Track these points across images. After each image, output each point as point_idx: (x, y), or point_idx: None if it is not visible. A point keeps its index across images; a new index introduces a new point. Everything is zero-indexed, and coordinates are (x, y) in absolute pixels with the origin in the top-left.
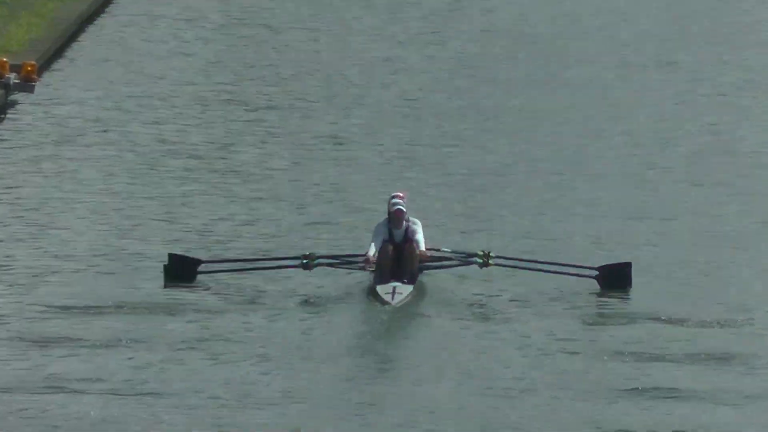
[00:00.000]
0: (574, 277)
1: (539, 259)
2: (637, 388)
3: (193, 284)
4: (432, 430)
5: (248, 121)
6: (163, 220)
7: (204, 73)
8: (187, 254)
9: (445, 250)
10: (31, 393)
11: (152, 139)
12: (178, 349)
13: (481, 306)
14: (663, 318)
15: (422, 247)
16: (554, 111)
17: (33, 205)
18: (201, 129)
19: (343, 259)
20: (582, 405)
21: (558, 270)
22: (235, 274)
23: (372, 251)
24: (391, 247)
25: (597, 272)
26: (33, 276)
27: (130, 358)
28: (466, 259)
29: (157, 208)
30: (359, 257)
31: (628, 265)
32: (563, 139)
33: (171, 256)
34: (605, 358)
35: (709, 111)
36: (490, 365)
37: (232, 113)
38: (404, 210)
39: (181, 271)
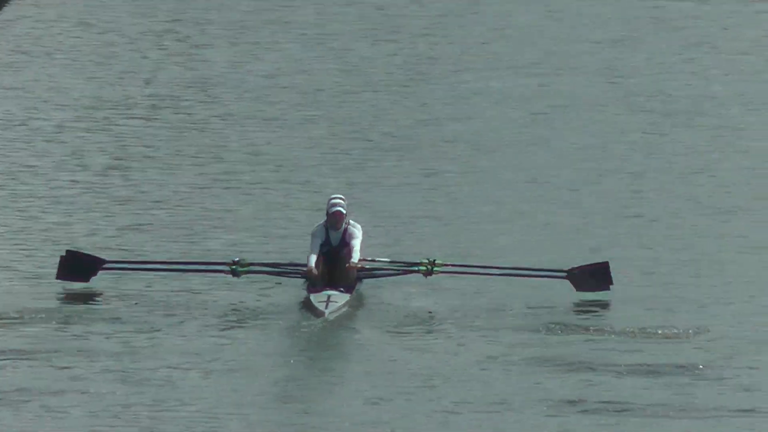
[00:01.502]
0: (543, 280)
1: (494, 264)
2: (580, 401)
3: (93, 286)
4: None
5: (168, 124)
6: (64, 222)
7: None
8: (88, 253)
9: (383, 260)
10: None
11: (54, 139)
12: (80, 361)
13: (423, 317)
14: (609, 329)
15: (356, 256)
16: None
17: None
18: (115, 128)
19: (279, 266)
20: (525, 419)
21: (522, 274)
22: (150, 280)
23: (312, 260)
24: (326, 252)
25: (566, 274)
26: None
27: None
28: (407, 268)
29: (63, 208)
30: (297, 266)
31: (605, 265)
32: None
33: (68, 252)
34: (558, 369)
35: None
36: (430, 381)
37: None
38: (344, 212)
39: (77, 269)
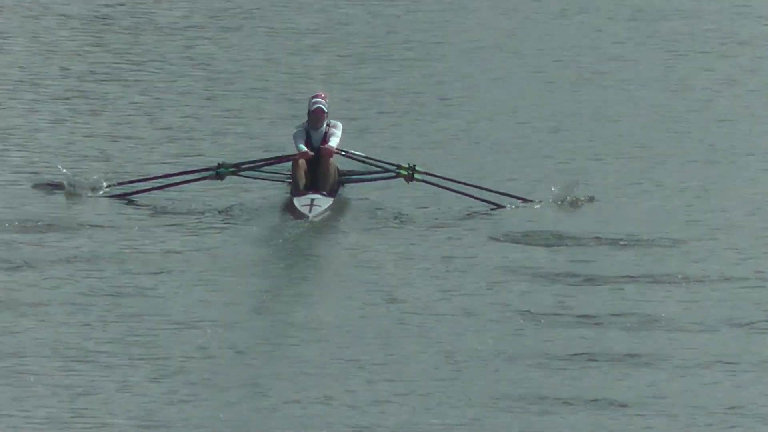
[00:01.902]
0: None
1: (470, 182)
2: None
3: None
4: (349, 355)
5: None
6: (33, 149)
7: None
8: (68, 181)
9: (357, 153)
10: None
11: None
12: (77, 268)
13: (405, 223)
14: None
15: (333, 142)
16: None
17: None
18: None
19: (266, 162)
20: (499, 332)
21: (493, 200)
22: (133, 196)
23: (302, 146)
24: (307, 155)
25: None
26: None
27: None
28: (386, 168)
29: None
30: (286, 158)
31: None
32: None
33: (38, 187)
34: (532, 285)
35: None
36: (409, 287)
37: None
38: (325, 110)
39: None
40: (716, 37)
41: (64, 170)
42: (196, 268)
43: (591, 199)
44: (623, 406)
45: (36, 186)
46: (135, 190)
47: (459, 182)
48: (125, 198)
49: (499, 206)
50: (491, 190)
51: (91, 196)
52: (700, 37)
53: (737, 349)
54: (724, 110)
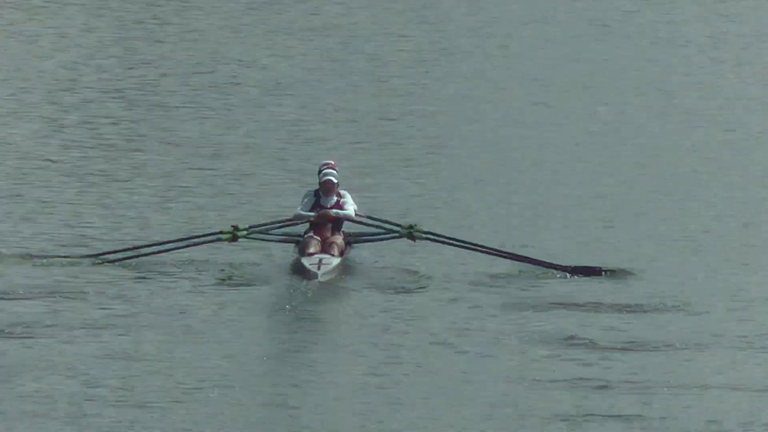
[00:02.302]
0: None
1: (471, 241)
2: (572, 379)
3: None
4: (359, 410)
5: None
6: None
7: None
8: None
9: (360, 215)
10: None
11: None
12: (87, 333)
13: (412, 282)
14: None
15: (347, 210)
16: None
17: None
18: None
19: (279, 224)
20: (511, 392)
21: (504, 255)
22: (144, 258)
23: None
24: (317, 218)
25: (567, 273)
26: None
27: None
28: (389, 227)
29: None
30: (295, 222)
31: (597, 270)
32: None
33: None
34: (538, 346)
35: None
36: (419, 343)
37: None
38: (335, 181)
39: None
40: None
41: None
42: (205, 328)
43: (610, 273)
44: None
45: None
46: (146, 253)
47: (461, 241)
48: (135, 261)
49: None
50: (490, 249)
51: (102, 262)
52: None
53: None
54: None
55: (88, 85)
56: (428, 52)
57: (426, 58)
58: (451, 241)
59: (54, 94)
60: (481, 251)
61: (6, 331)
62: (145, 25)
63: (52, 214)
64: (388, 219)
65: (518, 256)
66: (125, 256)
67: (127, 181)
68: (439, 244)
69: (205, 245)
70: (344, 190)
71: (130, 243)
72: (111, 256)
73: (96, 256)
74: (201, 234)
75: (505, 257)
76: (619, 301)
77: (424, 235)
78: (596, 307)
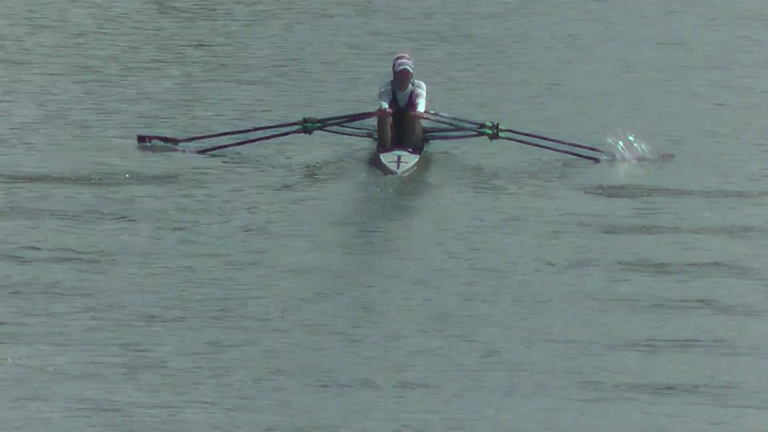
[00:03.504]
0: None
1: (552, 137)
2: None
3: (171, 158)
4: (429, 308)
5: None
6: (131, 99)
7: None
8: (159, 135)
9: (444, 115)
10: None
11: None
12: (164, 222)
13: (492, 179)
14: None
15: (421, 106)
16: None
17: None
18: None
19: (349, 117)
20: (591, 281)
21: (573, 152)
22: (221, 150)
23: (384, 104)
24: (392, 113)
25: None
26: None
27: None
28: (471, 127)
29: (121, 87)
30: (367, 115)
31: (668, 156)
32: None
33: (140, 138)
34: (619, 239)
35: None
36: (498, 243)
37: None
38: (410, 70)
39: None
40: None
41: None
42: (285, 223)
43: (669, 156)
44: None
45: (143, 139)
46: (221, 144)
47: (542, 137)
48: (211, 152)
49: (587, 157)
50: (575, 144)
51: (177, 150)
52: None
53: None
54: None
55: None
56: None
57: None
58: (530, 139)
59: None
60: (560, 149)
61: (83, 216)
62: None
63: (132, 98)
64: (470, 118)
65: (592, 148)
66: (197, 146)
67: (205, 72)
68: (521, 143)
69: (279, 137)
70: (420, 80)
71: (206, 131)
72: (188, 145)
73: (171, 141)
74: (274, 125)
75: (580, 153)
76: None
77: (507, 135)
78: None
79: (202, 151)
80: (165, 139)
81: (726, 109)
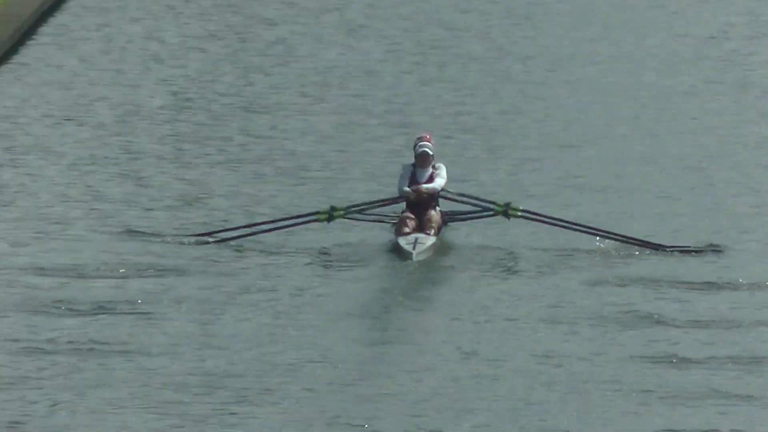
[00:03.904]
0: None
1: (566, 219)
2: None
3: (185, 249)
4: (452, 385)
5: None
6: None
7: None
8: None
9: (452, 192)
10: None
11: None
12: (187, 311)
13: (507, 261)
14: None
15: (436, 183)
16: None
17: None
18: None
19: (375, 204)
20: (614, 374)
21: (603, 235)
22: (242, 239)
23: (407, 188)
24: (411, 196)
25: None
26: (28, 238)
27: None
28: (484, 205)
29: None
30: (394, 200)
31: (688, 250)
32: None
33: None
34: (641, 326)
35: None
36: (513, 322)
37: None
38: (430, 153)
39: None
40: None
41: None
42: (302, 306)
43: (712, 248)
44: None
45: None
46: (244, 234)
47: (557, 219)
48: (234, 241)
49: (604, 237)
50: (590, 227)
51: (189, 243)
52: None
53: None
54: None
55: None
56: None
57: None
58: (546, 219)
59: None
60: (576, 229)
61: (106, 308)
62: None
63: (151, 195)
64: (482, 197)
65: (612, 234)
66: (223, 237)
67: (222, 163)
68: (534, 222)
69: (301, 226)
70: (440, 163)
71: (227, 224)
72: (209, 237)
73: (195, 236)
74: (298, 215)
75: (599, 235)
76: (714, 279)
77: (519, 214)
78: (692, 285)
79: (223, 240)
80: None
81: None
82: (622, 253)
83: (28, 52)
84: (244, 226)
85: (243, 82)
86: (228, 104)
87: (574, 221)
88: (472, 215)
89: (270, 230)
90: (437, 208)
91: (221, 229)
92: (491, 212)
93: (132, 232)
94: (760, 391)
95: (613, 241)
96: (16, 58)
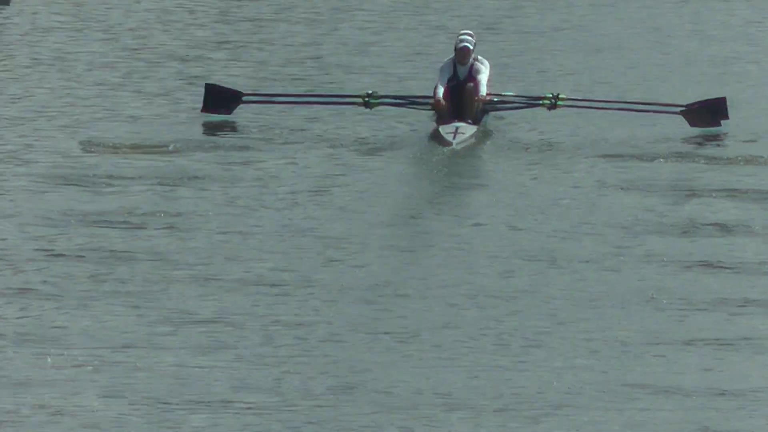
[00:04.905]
0: (659, 116)
1: (614, 99)
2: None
3: (230, 117)
4: (485, 279)
5: None
6: (202, 52)
7: None
8: (226, 86)
9: (508, 93)
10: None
11: None
12: (213, 184)
13: (549, 149)
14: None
15: (483, 89)
16: None
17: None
18: None
19: (408, 99)
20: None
21: (638, 108)
22: (284, 111)
23: (440, 92)
24: (453, 86)
25: (683, 108)
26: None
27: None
28: (532, 101)
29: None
30: (426, 98)
31: (722, 100)
32: None
33: (208, 86)
34: (674, 195)
35: None
36: (550, 208)
37: None
38: (471, 47)
39: (218, 103)
40: None
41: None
42: (343, 193)
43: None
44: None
45: (205, 109)
46: (283, 101)
47: (603, 101)
48: (273, 104)
49: (647, 111)
50: (636, 102)
51: (240, 100)
52: None
53: None
54: None
55: None
56: None
57: None
58: (590, 105)
59: None
60: (619, 108)
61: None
62: None
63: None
64: (529, 93)
65: (648, 103)
66: (263, 99)
67: (270, 34)
68: (575, 110)
69: (338, 106)
70: (482, 57)
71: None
72: (251, 97)
73: (235, 93)
74: (338, 94)
75: (637, 110)
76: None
77: (566, 103)
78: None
79: (264, 102)
80: (229, 90)
81: None
82: (654, 123)
83: None
84: (282, 95)
85: None
86: None
87: (616, 99)
88: (516, 105)
89: (312, 103)
90: (480, 95)
91: (269, 93)
92: (538, 104)
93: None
94: None
95: (643, 113)
96: None
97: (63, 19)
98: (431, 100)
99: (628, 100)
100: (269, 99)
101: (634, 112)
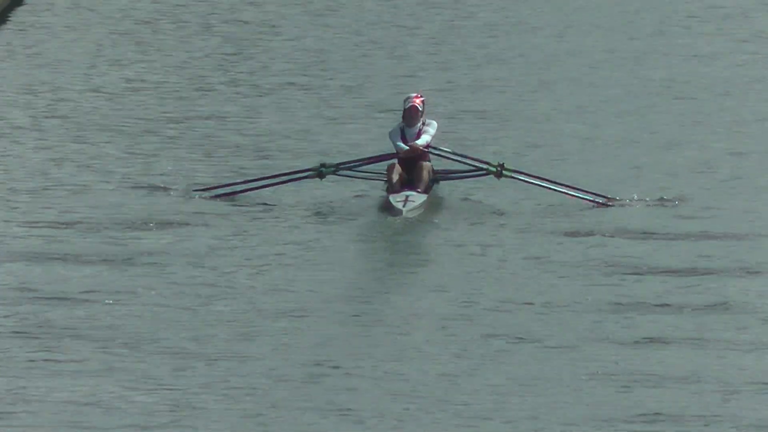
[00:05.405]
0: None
1: (558, 180)
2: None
3: (182, 203)
4: (435, 346)
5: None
6: (139, 153)
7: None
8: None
9: (446, 150)
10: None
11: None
12: (174, 264)
13: (496, 219)
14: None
15: (423, 139)
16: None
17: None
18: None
19: (366, 161)
20: (595, 320)
21: (570, 193)
22: (233, 196)
23: (399, 145)
24: (402, 153)
25: (606, 200)
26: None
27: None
28: (478, 165)
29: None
30: (384, 157)
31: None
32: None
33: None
34: (625, 280)
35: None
36: (500, 280)
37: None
38: (419, 108)
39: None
40: None
41: (169, 167)
42: (292, 264)
43: (679, 200)
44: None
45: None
46: (235, 191)
47: (547, 180)
48: (224, 198)
49: (591, 201)
50: (577, 188)
51: (189, 197)
52: None
53: None
54: None
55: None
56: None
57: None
58: (537, 181)
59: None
60: (566, 193)
61: (104, 259)
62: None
63: (149, 151)
64: (475, 156)
65: (590, 193)
66: (217, 193)
67: (218, 118)
68: (525, 183)
69: (291, 183)
70: (432, 119)
71: (219, 180)
72: (204, 193)
73: (196, 190)
74: (289, 171)
75: (580, 197)
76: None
77: (512, 174)
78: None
79: (216, 197)
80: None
81: (739, 159)
82: (603, 206)
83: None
84: (234, 183)
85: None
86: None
87: (564, 182)
88: (465, 174)
89: (265, 186)
90: (428, 165)
91: (219, 185)
92: (484, 171)
93: (134, 187)
94: (726, 335)
95: (588, 201)
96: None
97: None
98: (401, 149)
99: (563, 183)
100: (222, 192)
101: (567, 195)
